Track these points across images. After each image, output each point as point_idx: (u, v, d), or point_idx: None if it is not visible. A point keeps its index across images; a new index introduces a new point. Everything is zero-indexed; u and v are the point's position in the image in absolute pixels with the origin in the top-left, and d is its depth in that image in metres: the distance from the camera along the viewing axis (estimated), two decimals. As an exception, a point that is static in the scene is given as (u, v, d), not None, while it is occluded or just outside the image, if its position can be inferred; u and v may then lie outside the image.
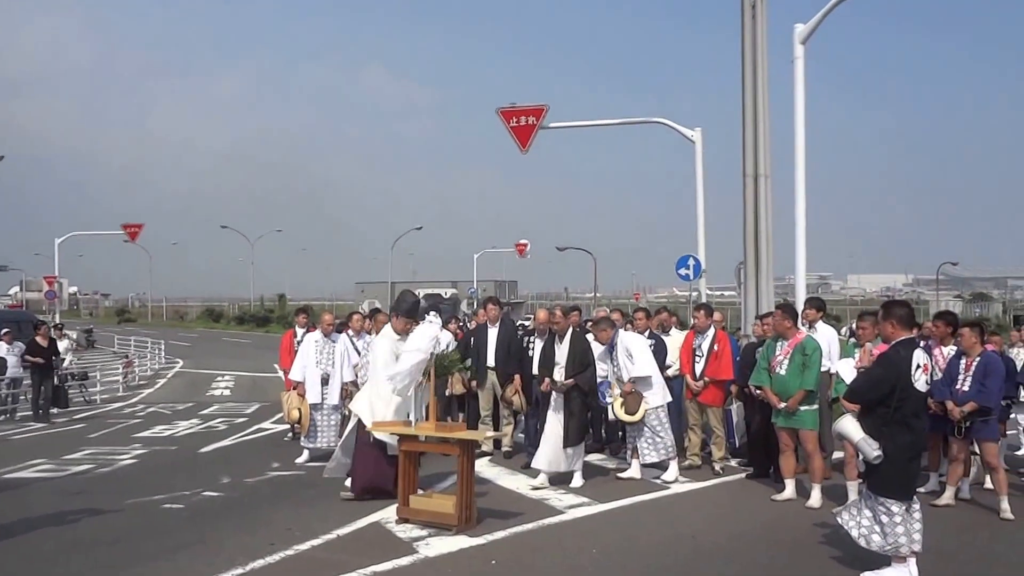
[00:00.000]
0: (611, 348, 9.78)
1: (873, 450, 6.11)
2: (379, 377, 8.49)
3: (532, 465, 9.60)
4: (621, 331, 9.96)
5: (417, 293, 9.61)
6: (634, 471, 9.85)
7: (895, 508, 6.16)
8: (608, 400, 9.87)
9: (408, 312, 8.87)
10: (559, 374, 9.44)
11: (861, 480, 8.69)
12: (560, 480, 9.43)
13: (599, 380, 9.87)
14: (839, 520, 6.54)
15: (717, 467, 10.18)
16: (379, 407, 8.48)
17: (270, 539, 7.26)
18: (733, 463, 10.56)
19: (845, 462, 8.58)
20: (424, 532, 7.49)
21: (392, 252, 67.90)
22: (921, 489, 8.76)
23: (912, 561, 6.20)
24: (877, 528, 6.24)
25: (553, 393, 9.47)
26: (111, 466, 11.49)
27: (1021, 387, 9.99)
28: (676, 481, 9.62)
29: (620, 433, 11.49)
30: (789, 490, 8.81)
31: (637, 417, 9.51)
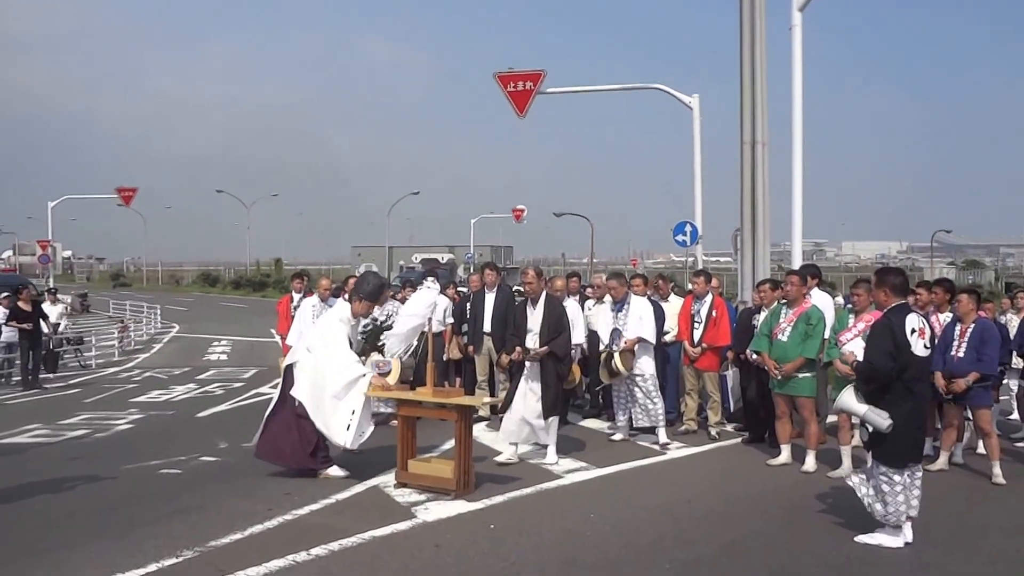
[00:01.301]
0: (621, 306, 9.79)
1: (883, 419, 6.08)
2: (331, 360, 8.13)
3: (500, 437, 9.20)
4: (632, 294, 9.99)
5: (415, 258, 9.50)
6: (623, 432, 10.02)
7: (897, 478, 6.18)
8: (614, 348, 9.64)
9: (371, 296, 8.47)
10: (532, 341, 8.91)
11: (859, 445, 8.78)
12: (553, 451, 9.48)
13: (611, 330, 9.78)
14: (850, 483, 6.56)
15: (713, 432, 10.25)
16: (326, 397, 8.06)
17: (268, 504, 7.29)
18: (729, 428, 10.62)
19: (839, 426, 8.64)
20: (422, 497, 7.53)
21: (389, 217, 67.86)
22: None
23: (908, 525, 6.25)
24: (879, 498, 6.28)
25: (527, 363, 8.93)
26: (107, 431, 11.52)
27: (1014, 353, 10.04)
28: (669, 444, 9.69)
29: (601, 399, 11.55)
30: (784, 455, 8.87)
31: (624, 373, 9.53)
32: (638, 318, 9.67)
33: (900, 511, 6.18)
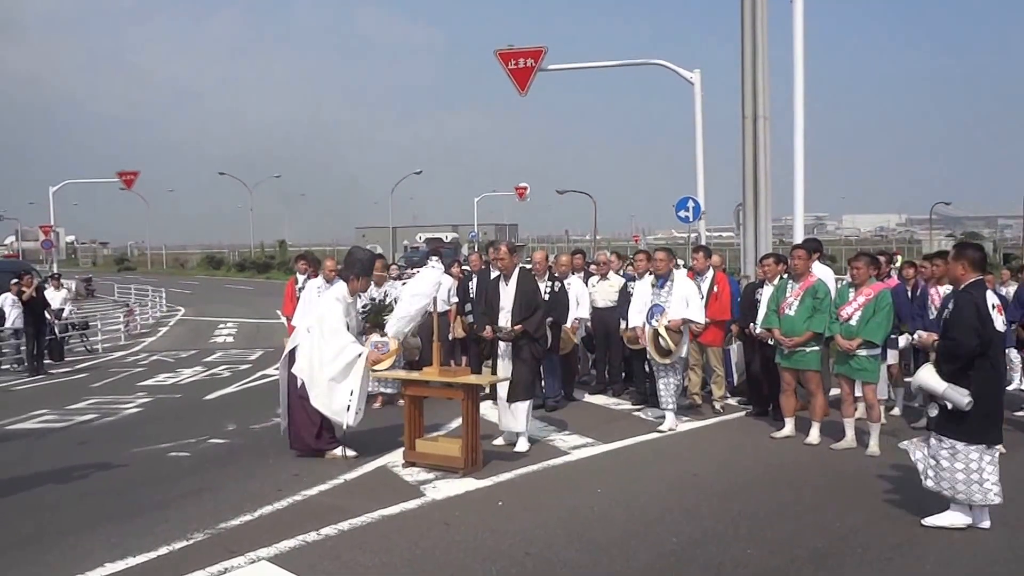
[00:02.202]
0: (663, 282, 9.46)
1: (964, 397, 5.91)
2: (327, 342, 8.18)
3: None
4: (679, 272, 9.79)
5: (419, 238, 9.51)
6: (670, 422, 9.45)
7: (969, 455, 6.00)
8: (653, 322, 9.34)
9: (364, 270, 8.61)
10: (505, 319, 8.56)
11: (863, 417, 8.81)
12: (560, 425, 9.53)
13: (651, 306, 9.49)
14: (907, 449, 6.42)
15: (717, 406, 10.30)
16: (324, 380, 8.14)
17: (277, 485, 7.35)
18: (732, 401, 10.67)
19: (842, 399, 8.67)
20: (431, 475, 7.59)
21: (392, 197, 67.60)
22: (920, 424, 8.87)
23: (985, 511, 6.09)
24: (932, 465, 6.16)
25: (501, 343, 8.66)
26: (115, 415, 11.58)
27: (1014, 324, 10.04)
28: (675, 429, 9.45)
29: (623, 374, 11.56)
30: (788, 427, 8.92)
31: (674, 352, 9.21)
32: (683, 298, 9.32)
33: (957, 489, 6.02)
